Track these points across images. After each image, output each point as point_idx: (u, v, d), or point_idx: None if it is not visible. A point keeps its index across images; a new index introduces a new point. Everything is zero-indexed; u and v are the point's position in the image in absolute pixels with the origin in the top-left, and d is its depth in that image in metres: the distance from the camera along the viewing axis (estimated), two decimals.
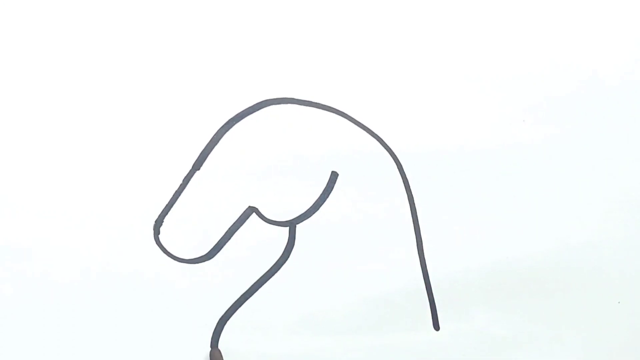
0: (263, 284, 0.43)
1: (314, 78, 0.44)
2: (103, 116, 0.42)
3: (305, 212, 0.43)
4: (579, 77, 0.45)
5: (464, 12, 0.45)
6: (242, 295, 0.43)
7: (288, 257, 0.43)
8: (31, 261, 0.42)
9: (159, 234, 0.42)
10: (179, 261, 0.43)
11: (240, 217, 0.43)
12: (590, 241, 0.44)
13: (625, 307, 0.44)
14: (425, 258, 0.44)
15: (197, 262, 0.43)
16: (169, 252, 0.43)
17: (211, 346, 0.43)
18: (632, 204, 0.45)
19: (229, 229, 0.43)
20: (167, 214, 0.42)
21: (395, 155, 0.44)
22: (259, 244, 0.43)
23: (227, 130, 0.43)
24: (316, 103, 0.44)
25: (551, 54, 0.45)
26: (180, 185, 0.42)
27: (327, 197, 0.43)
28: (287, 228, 0.43)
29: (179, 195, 0.42)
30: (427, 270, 0.44)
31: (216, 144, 0.43)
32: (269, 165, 0.43)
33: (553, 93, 0.45)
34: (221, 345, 0.43)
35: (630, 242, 0.45)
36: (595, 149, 0.45)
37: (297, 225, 0.43)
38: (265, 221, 0.43)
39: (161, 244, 0.42)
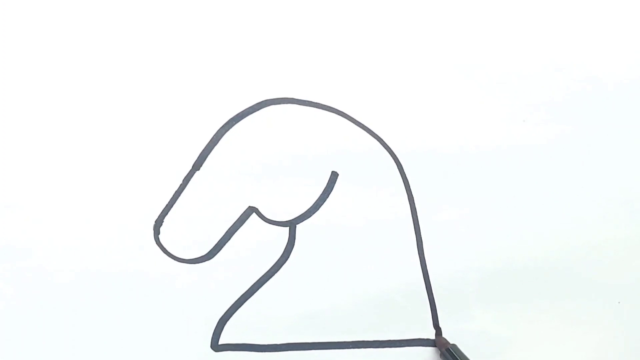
0: (263, 284, 0.43)
1: (314, 78, 0.44)
2: (103, 116, 0.42)
3: (305, 212, 0.43)
4: (581, 77, 0.45)
5: (464, 11, 0.45)
6: (242, 295, 0.43)
7: (288, 257, 0.43)
8: (31, 261, 0.42)
9: (159, 234, 0.42)
10: (179, 261, 0.43)
11: (240, 217, 0.43)
12: (590, 241, 0.44)
13: (625, 307, 0.44)
14: (425, 258, 0.44)
15: (197, 262, 0.43)
16: (169, 252, 0.43)
17: (211, 346, 0.43)
18: (632, 204, 0.45)
19: (229, 229, 0.43)
20: (167, 214, 0.42)
21: (395, 155, 0.44)
22: (259, 244, 0.43)
23: (227, 130, 0.43)
24: (316, 103, 0.44)
25: (552, 54, 0.45)
26: (180, 185, 0.42)
27: (327, 197, 0.43)
28: (287, 228, 0.43)
29: (179, 195, 0.42)
30: (427, 270, 0.44)
31: (216, 144, 0.43)
32: (269, 165, 0.43)
33: (554, 93, 0.45)
34: (221, 346, 0.43)
35: (630, 242, 0.45)
36: (597, 149, 0.45)
37: (297, 225, 0.43)
38: (265, 221, 0.43)
39: (161, 244, 0.42)
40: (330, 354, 0.43)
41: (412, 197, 0.44)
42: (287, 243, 0.43)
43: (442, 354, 0.43)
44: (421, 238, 0.44)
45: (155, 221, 0.42)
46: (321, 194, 0.43)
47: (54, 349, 0.42)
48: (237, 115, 0.43)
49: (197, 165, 0.43)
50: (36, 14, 0.42)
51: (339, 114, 0.44)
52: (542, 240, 0.44)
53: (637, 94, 0.45)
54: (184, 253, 0.43)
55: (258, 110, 0.43)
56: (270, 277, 0.43)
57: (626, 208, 0.45)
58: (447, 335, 0.44)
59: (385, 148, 0.44)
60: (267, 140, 0.43)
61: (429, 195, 0.44)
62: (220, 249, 0.43)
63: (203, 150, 0.43)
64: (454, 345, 0.43)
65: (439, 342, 0.43)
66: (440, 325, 0.44)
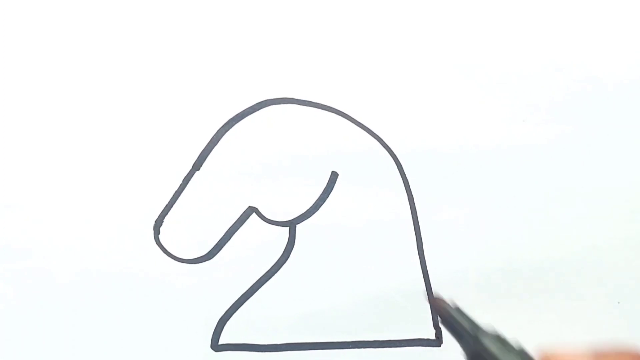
0: (263, 284, 0.43)
1: (314, 78, 0.44)
2: (103, 116, 0.42)
3: (305, 212, 0.43)
4: (581, 77, 0.45)
5: (464, 11, 0.45)
6: (242, 295, 0.43)
7: (288, 257, 0.43)
8: (31, 261, 0.42)
9: (159, 234, 0.42)
10: (179, 261, 0.43)
11: (240, 217, 0.43)
12: (590, 241, 0.44)
13: (625, 307, 0.44)
14: (425, 258, 0.44)
15: (197, 262, 0.43)
16: (169, 252, 0.43)
17: (211, 346, 0.43)
18: (632, 204, 0.45)
19: (229, 229, 0.43)
20: (167, 214, 0.42)
21: (395, 155, 0.44)
22: (259, 244, 0.43)
23: (227, 130, 0.43)
24: (316, 103, 0.44)
25: (552, 54, 0.45)
26: (180, 185, 0.42)
27: (327, 197, 0.43)
28: (287, 228, 0.43)
29: (179, 195, 0.42)
30: (427, 270, 0.44)
31: (216, 144, 0.43)
32: (269, 165, 0.43)
33: (554, 93, 0.45)
34: (221, 346, 0.43)
35: (630, 242, 0.45)
36: (597, 149, 0.45)
37: (297, 225, 0.43)
38: (265, 221, 0.43)
39: (161, 244, 0.42)
40: (330, 354, 0.43)
41: (412, 197, 0.44)
42: (287, 243, 0.43)
43: (442, 322, 0.33)
44: (421, 238, 0.44)
45: (155, 221, 0.42)
46: (321, 194, 0.43)
47: (54, 349, 0.42)
48: (237, 115, 0.43)
49: (197, 165, 0.43)
50: (36, 14, 0.42)
51: (339, 114, 0.44)
52: (542, 240, 0.44)
53: (637, 94, 0.45)
54: (184, 253, 0.43)
55: (258, 110, 0.43)
56: (270, 277, 0.43)
57: (626, 208, 0.45)
58: (447, 335, 0.44)
59: (385, 148, 0.44)
60: (267, 140, 0.43)
61: (429, 195, 0.44)
62: (220, 249, 0.43)
63: (203, 150, 0.43)
64: (456, 308, 0.33)
65: (434, 304, 0.37)
66: (441, 326, 0.44)
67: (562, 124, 0.45)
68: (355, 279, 0.43)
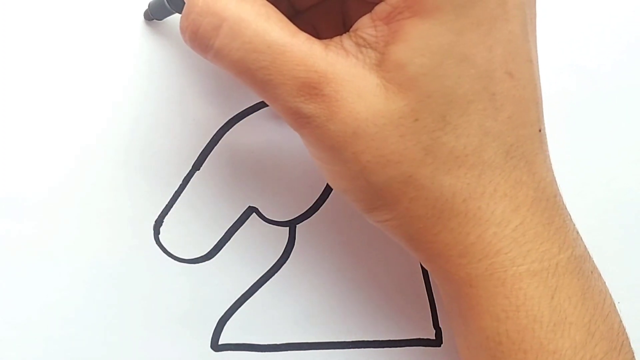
0: (263, 284, 0.43)
1: None
2: (103, 116, 0.42)
3: (305, 212, 0.43)
4: (580, 76, 0.45)
5: None
6: (242, 295, 0.43)
7: (288, 257, 0.43)
8: (31, 261, 0.42)
9: (159, 234, 0.42)
10: (179, 261, 0.43)
11: (240, 217, 0.43)
12: (590, 242, 0.44)
13: (625, 307, 0.44)
14: None
15: (197, 262, 0.43)
16: (169, 252, 0.43)
17: (211, 346, 0.43)
18: (632, 204, 0.45)
19: (229, 229, 0.43)
20: (167, 214, 0.42)
21: None
22: (259, 244, 0.43)
23: (227, 130, 0.43)
24: None
25: (551, 53, 0.45)
26: (180, 185, 0.42)
27: (327, 197, 0.43)
28: (287, 228, 0.43)
29: (179, 195, 0.43)
30: (427, 270, 0.44)
31: (216, 144, 0.43)
32: (269, 165, 0.43)
33: (552, 92, 0.45)
34: (221, 346, 0.43)
35: (630, 242, 0.45)
36: (596, 149, 0.45)
37: (297, 226, 0.43)
38: (265, 221, 0.43)
39: (161, 244, 0.42)
40: (330, 354, 0.43)
41: None
42: (287, 243, 0.43)
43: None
44: None
45: (155, 221, 0.42)
46: (321, 194, 0.43)
47: (54, 350, 0.42)
48: (237, 115, 0.43)
49: (197, 165, 0.43)
50: (36, 14, 0.42)
51: None
52: None
53: (637, 94, 0.45)
54: (184, 253, 0.43)
55: (258, 110, 0.43)
56: (270, 277, 0.43)
57: (626, 208, 0.45)
58: (447, 335, 0.44)
59: None
60: (267, 140, 0.43)
61: None
62: (220, 249, 0.43)
63: (203, 150, 0.43)
64: None
65: None
66: (440, 326, 0.44)
67: (560, 124, 0.45)
68: (355, 278, 0.43)
